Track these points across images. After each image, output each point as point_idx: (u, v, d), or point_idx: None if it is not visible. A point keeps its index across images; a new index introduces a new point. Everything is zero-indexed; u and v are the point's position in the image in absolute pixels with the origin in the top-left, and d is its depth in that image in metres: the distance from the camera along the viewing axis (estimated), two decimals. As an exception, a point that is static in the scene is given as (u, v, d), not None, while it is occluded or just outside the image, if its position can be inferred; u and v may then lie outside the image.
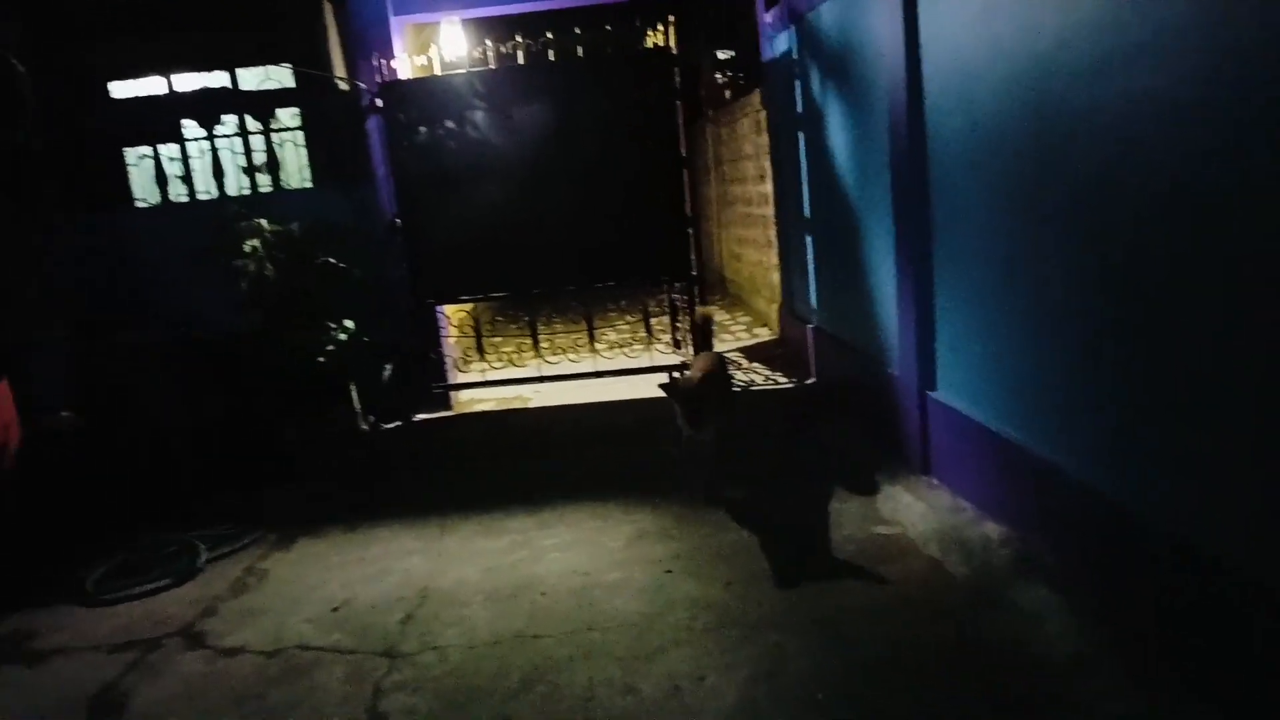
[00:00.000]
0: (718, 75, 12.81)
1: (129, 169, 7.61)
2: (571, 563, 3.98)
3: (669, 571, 3.76)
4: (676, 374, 5.19)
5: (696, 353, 5.31)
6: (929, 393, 4.31)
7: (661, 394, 4.54)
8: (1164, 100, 2.46)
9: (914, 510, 4.03)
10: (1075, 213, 2.96)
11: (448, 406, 6.94)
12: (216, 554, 4.57)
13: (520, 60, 6.43)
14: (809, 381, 6.54)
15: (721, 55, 14.09)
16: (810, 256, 6.46)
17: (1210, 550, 2.44)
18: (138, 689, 3.32)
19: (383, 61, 6.39)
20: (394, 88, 6.40)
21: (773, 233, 7.87)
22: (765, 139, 7.68)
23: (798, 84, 6.21)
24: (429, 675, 3.15)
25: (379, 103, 6.43)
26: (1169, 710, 2.43)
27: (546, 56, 6.40)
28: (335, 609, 3.81)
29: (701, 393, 4.45)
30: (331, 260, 6.07)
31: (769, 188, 7.81)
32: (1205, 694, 2.43)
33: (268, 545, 4.67)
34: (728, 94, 12.81)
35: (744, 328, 9.03)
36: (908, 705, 2.68)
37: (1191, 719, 2.40)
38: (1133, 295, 2.70)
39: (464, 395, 7.16)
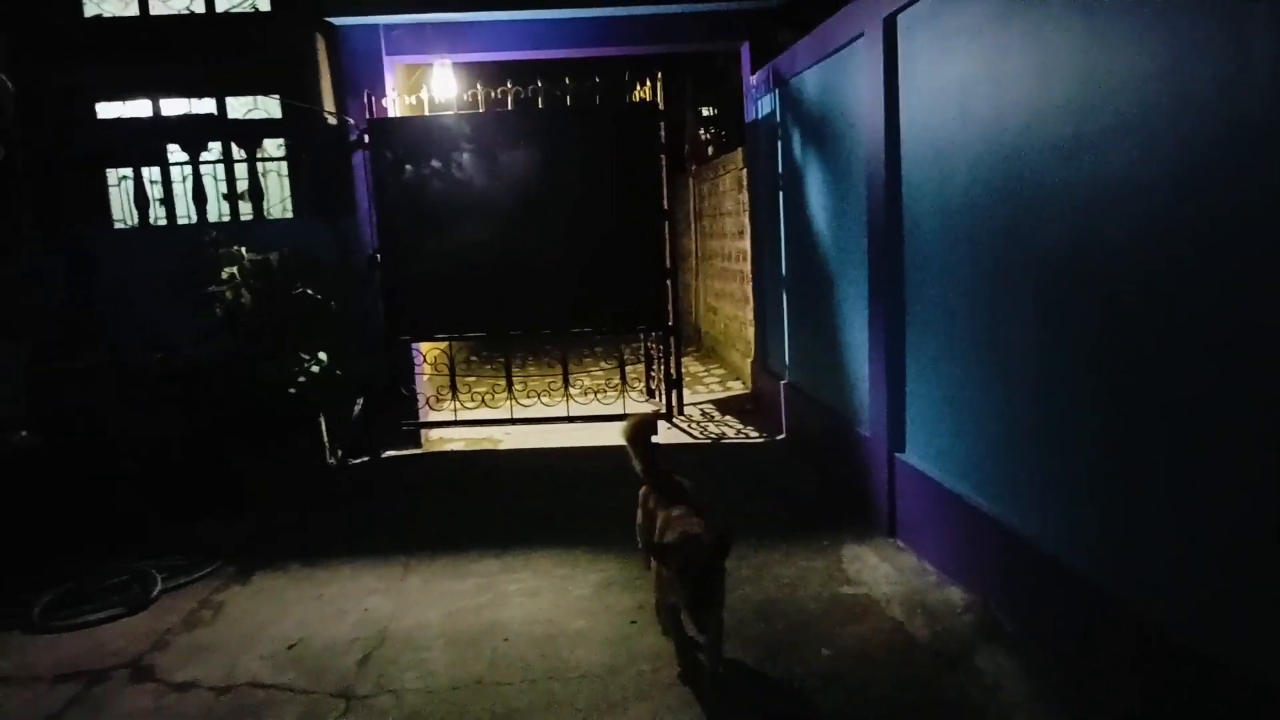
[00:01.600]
0: (701, 131, 13.06)
1: (110, 189, 7.60)
2: (536, 610, 3.94)
3: (634, 623, 3.73)
4: (664, 520, 3.38)
5: (653, 474, 3.77)
6: (897, 454, 4.36)
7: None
8: (1129, 181, 2.56)
9: (879, 572, 4.05)
10: (1044, 285, 3.05)
11: (418, 445, 6.90)
12: (171, 585, 4.46)
13: (509, 106, 6.53)
14: (779, 437, 6.58)
15: (705, 112, 14.40)
16: (785, 313, 6.55)
17: (1170, 627, 2.48)
18: (80, 723, 3.21)
19: (373, 99, 6.46)
20: (383, 125, 6.46)
21: (749, 288, 7.97)
22: (746, 196, 7.82)
23: (779, 145, 6.36)
24: (384, 719, 3.09)
25: (366, 139, 6.49)
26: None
27: (536, 104, 6.51)
28: (291, 646, 3.73)
29: (714, 565, 3.02)
30: (309, 291, 6.06)
31: (747, 244, 7.93)
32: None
33: (225, 578, 4.57)
34: (710, 150, 13.06)
35: (717, 380, 9.09)
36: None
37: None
38: (1098, 368, 2.77)
39: (435, 434, 7.12)
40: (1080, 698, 2.79)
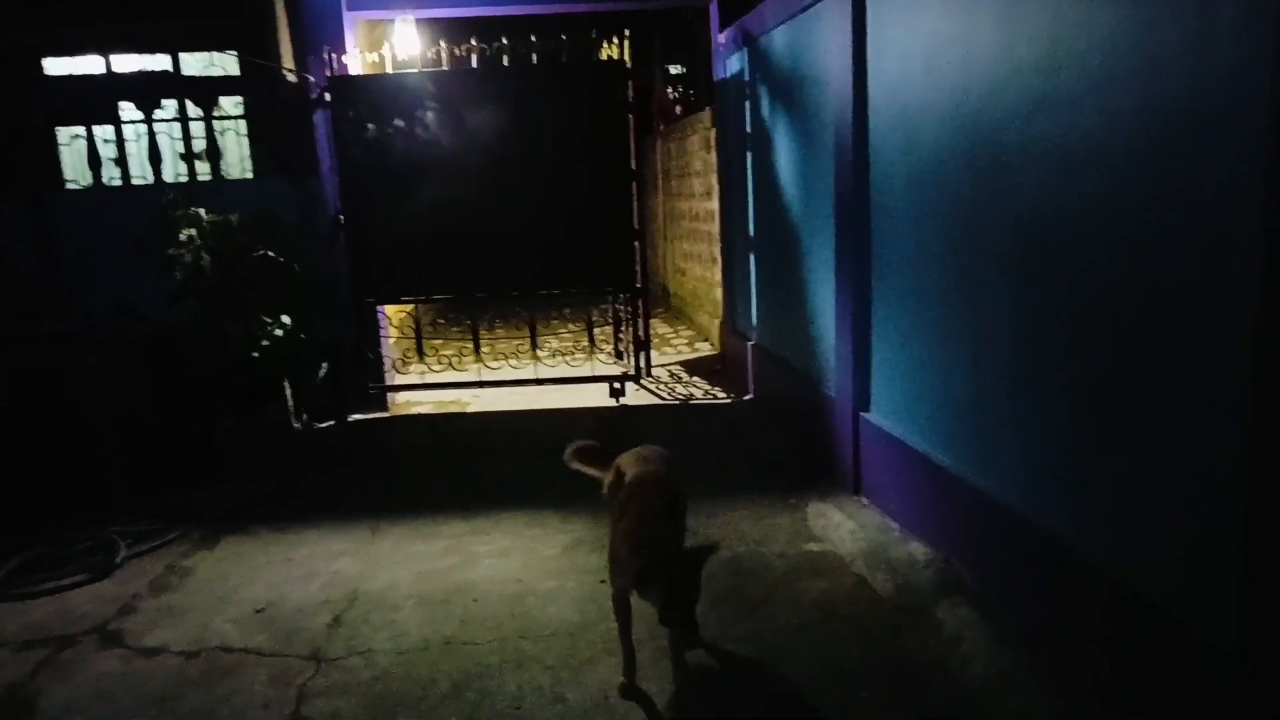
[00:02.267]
0: (670, 90, 12.94)
1: (60, 149, 7.37)
2: (505, 569, 3.97)
3: (603, 581, 3.76)
4: (610, 473, 3.26)
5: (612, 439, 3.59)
6: (862, 414, 4.43)
7: (605, 404, 4.44)
8: (1095, 142, 2.59)
9: (843, 529, 4.13)
10: (1010, 246, 3.09)
11: (384, 408, 6.86)
12: (137, 551, 4.44)
13: (474, 64, 6.41)
14: (747, 397, 6.64)
15: (674, 70, 14.26)
16: (753, 275, 6.57)
17: (1125, 575, 2.57)
18: (48, 688, 3.20)
19: (333, 55, 6.31)
20: (344, 82, 6.32)
21: (717, 249, 7.97)
22: (714, 156, 7.79)
23: (748, 105, 6.33)
24: (355, 680, 3.12)
25: (328, 97, 6.35)
26: (1077, 727, 2.55)
27: (501, 62, 6.40)
28: (260, 610, 3.74)
29: (658, 539, 2.78)
30: (270, 254, 5.95)
31: (715, 205, 7.92)
32: (1120, 713, 2.54)
33: (191, 543, 4.55)
34: (678, 110, 12.96)
35: (686, 341, 9.12)
36: (836, 718, 2.75)
37: (1097, 736, 2.51)
38: (1063, 327, 2.82)
39: (401, 397, 7.08)
40: (1039, 647, 2.89)
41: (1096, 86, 2.55)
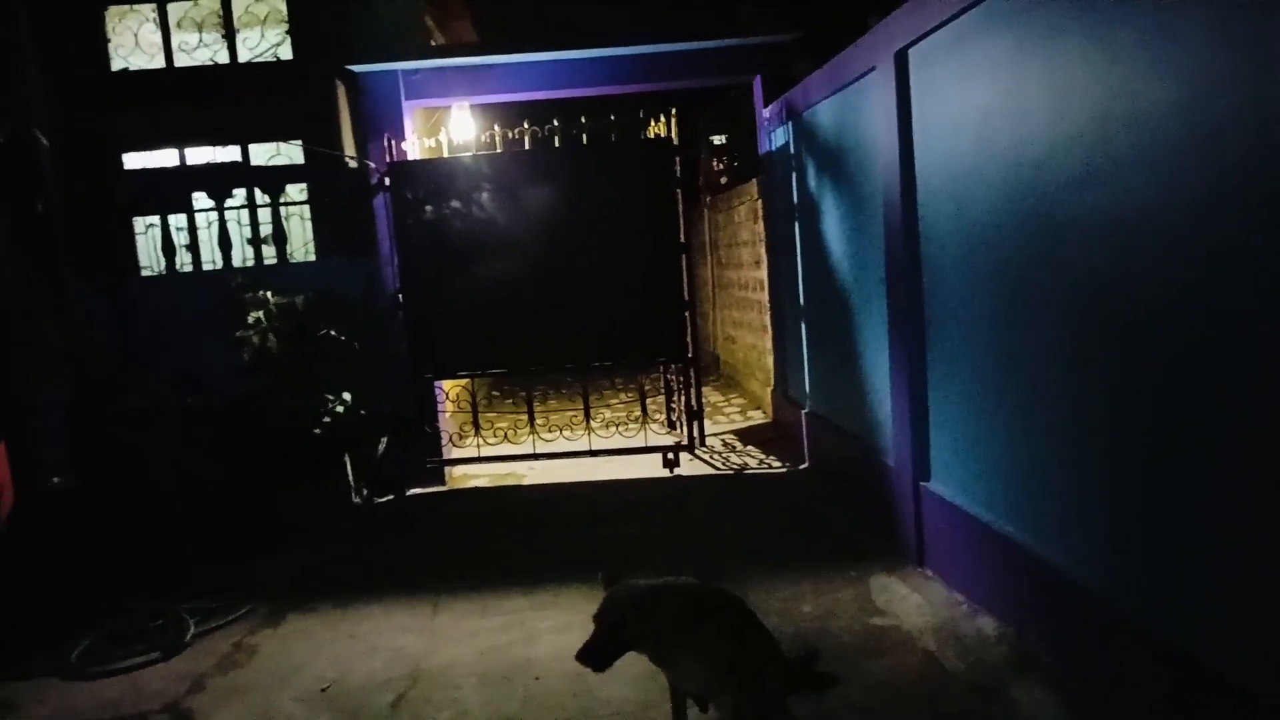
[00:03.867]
0: (715, 162, 13.18)
1: (137, 237, 7.76)
2: (566, 646, 3.93)
3: (664, 658, 3.73)
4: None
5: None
6: (923, 483, 4.36)
7: (659, 475, 4.29)
8: (1148, 211, 2.59)
9: (909, 602, 4.04)
10: (1068, 312, 3.07)
11: (442, 481, 6.95)
12: (205, 628, 4.51)
13: (527, 145, 6.64)
14: (803, 466, 6.59)
15: (716, 140, 14.53)
16: (805, 342, 6.58)
17: (1206, 657, 2.47)
18: (122, 768, 3.25)
19: (393, 142, 6.59)
20: (403, 167, 6.58)
21: (767, 317, 8.01)
22: (761, 226, 7.89)
23: (794, 176, 6.43)
24: (421, 761, 3.11)
25: (387, 181, 6.61)
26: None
27: (553, 142, 6.62)
28: (324, 688, 3.76)
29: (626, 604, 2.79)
30: (333, 332, 6.16)
31: (764, 273, 7.99)
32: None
33: (257, 620, 4.61)
34: (723, 179, 13.18)
35: (738, 410, 9.10)
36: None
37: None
38: (1126, 394, 2.79)
39: (458, 470, 7.16)
40: (1118, 728, 2.78)
41: (1148, 156, 2.57)
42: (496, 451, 7.09)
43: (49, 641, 4.42)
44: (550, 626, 4.19)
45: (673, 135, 6.57)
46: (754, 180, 8.24)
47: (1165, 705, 2.63)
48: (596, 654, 2.75)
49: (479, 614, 4.43)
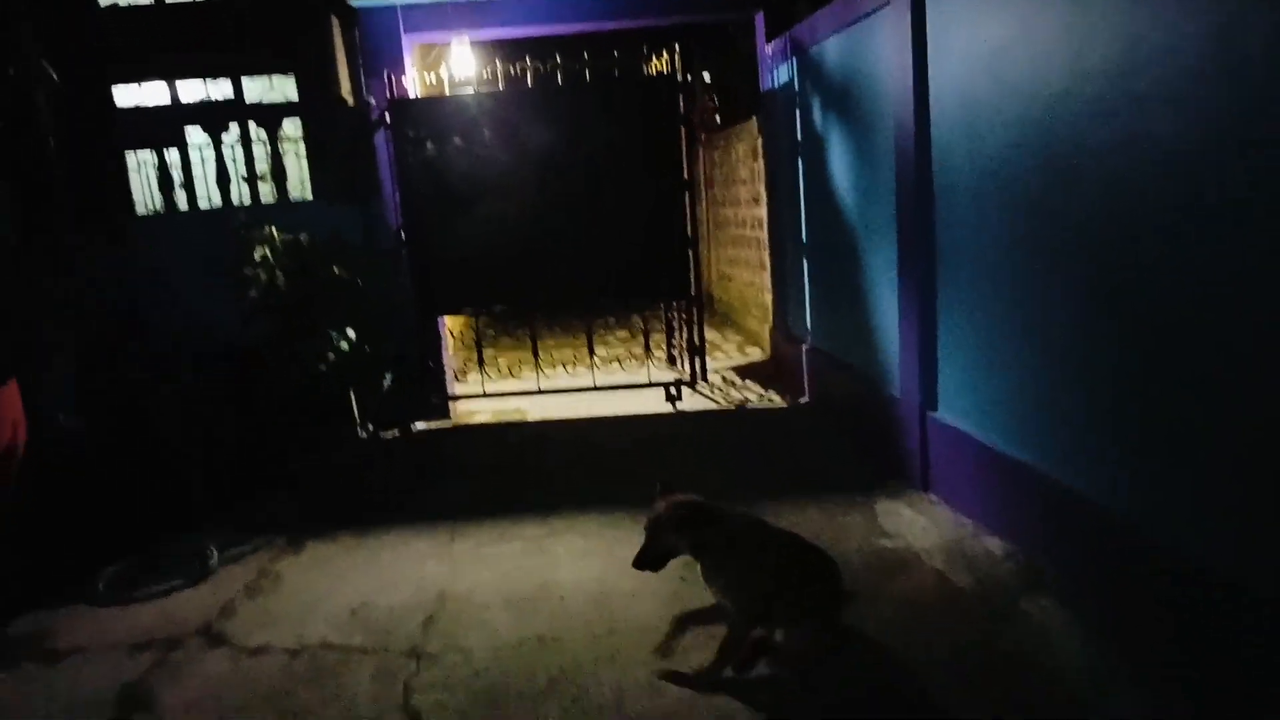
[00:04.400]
0: (710, 99, 13.05)
1: (130, 175, 7.65)
2: (587, 570, 4.08)
3: (683, 579, 3.86)
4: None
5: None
6: (930, 412, 4.49)
7: (662, 410, 4.38)
8: (1166, 145, 2.66)
9: (916, 525, 4.19)
10: (1080, 242, 3.16)
11: (446, 417, 7.02)
12: (227, 557, 4.61)
13: (529, 82, 6.58)
14: (803, 400, 6.71)
15: (706, 78, 14.35)
16: (806, 279, 6.65)
17: (1212, 563, 2.62)
18: (164, 686, 3.36)
19: (393, 78, 6.51)
20: (404, 104, 6.51)
21: (766, 255, 8.06)
22: (761, 164, 7.89)
23: (798, 113, 6.42)
24: (457, 675, 3.24)
25: (388, 118, 6.55)
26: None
27: (555, 80, 6.56)
28: (354, 611, 3.87)
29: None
30: (336, 270, 6.15)
31: (763, 211, 8.01)
32: (1213, 701, 2.59)
33: (278, 550, 4.71)
34: (717, 118, 13.06)
35: (735, 347, 9.20)
36: (930, 710, 2.82)
37: (1194, 720, 2.57)
38: (1136, 319, 2.89)
39: (462, 406, 7.24)
40: (1126, 636, 2.94)
41: (1169, 90, 2.62)
42: (500, 388, 7.16)
43: (74, 574, 4.51)
44: (569, 552, 4.32)
45: (676, 71, 6.53)
46: (753, 118, 8.22)
47: (1171, 610, 2.79)
48: (649, 556, 3.09)
49: (497, 541, 4.55)
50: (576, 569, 4.11)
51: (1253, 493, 2.48)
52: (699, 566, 3.12)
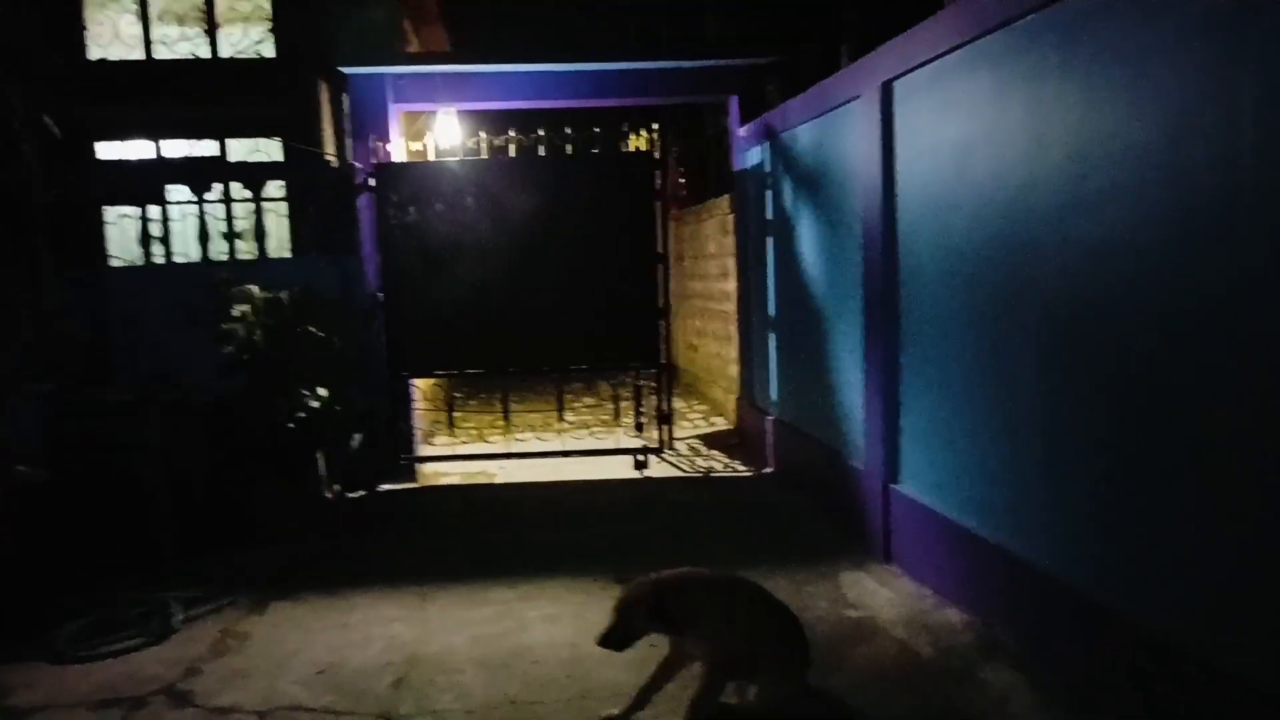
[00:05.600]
0: (681, 176, 13.47)
1: (108, 228, 7.70)
2: (558, 634, 4.12)
3: (653, 645, 3.92)
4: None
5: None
6: (892, 485, 4.65)
7: (629, 476, 4.49)
8: (1121, 241, 2.90)
9: (879, 596, 4.31)
10: (1040, 328, 3.38)
11: (413, 479, 7.04)
12: (191, 615, 4.56)
13: (511, 153, 6.81)
14: (768, 470, 6.85)
15: (676, 153, 14.80)
16: (773, 352, 6.86)
17: (1165, 631, 2.78)
18: (129, 746, 3.32)
19: (379, 144, 6.70)
20: (389, 169, 6.69)
21: (733, 327, 8.29)
22: (731, 240, 8.17)
23: (769, 193, 6.72)
24: (430, 737, 3.25)
25: (372, 182, 6.71)
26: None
27: (536, 151, 6.80)
28: (321, 672, 3.86)
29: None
30: (312, 329, 6.22)
31: (731, 285, 8.27)
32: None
33: (243, 608, 4.67)
34: (684, 193, 13.46)
35: (701, 416, 9.36)
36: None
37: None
38: (1089, 400, 3.09)
39: (429, 468, 7.26)
40: (1083, 705, 3.07)
41: (1126, 190, 2.88)
42: (471, 450, 7.20)
43: (33, 629, 4.42)
44: (540, 616, 4.35)
45: (654, 149, 6.81)
46: (724, 195, 8.53)
47: (1127, 678, 2.93)
48: (616, 638, 3.18)
49: (468, 605, 4.56)
50: (549, 633, 4.14)
51: (1203, 565, 2.66)
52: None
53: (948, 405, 4.13)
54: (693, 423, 9.04)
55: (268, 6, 7.70)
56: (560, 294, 6.80)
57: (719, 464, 7.27)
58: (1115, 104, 2.91)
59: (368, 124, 6.83)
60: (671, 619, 3.14)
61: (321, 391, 6.22)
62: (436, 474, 7.25)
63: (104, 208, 7.46)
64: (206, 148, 7.82)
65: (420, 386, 7.36)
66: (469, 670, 3.79)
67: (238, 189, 7.03)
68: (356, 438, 6.83)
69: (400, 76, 6.85)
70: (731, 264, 8.22)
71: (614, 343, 6.91)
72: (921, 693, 3.39)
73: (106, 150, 7.71)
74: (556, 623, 4.27)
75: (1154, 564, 2.84)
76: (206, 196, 7.04)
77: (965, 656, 3.58)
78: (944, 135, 4.02)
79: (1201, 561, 2.65)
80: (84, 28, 7.55)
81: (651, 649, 3.83)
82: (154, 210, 6.99)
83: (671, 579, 3.24)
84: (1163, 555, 2.80)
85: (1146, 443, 2.84)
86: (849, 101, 4.95)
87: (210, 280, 6.07)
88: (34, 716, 3.60)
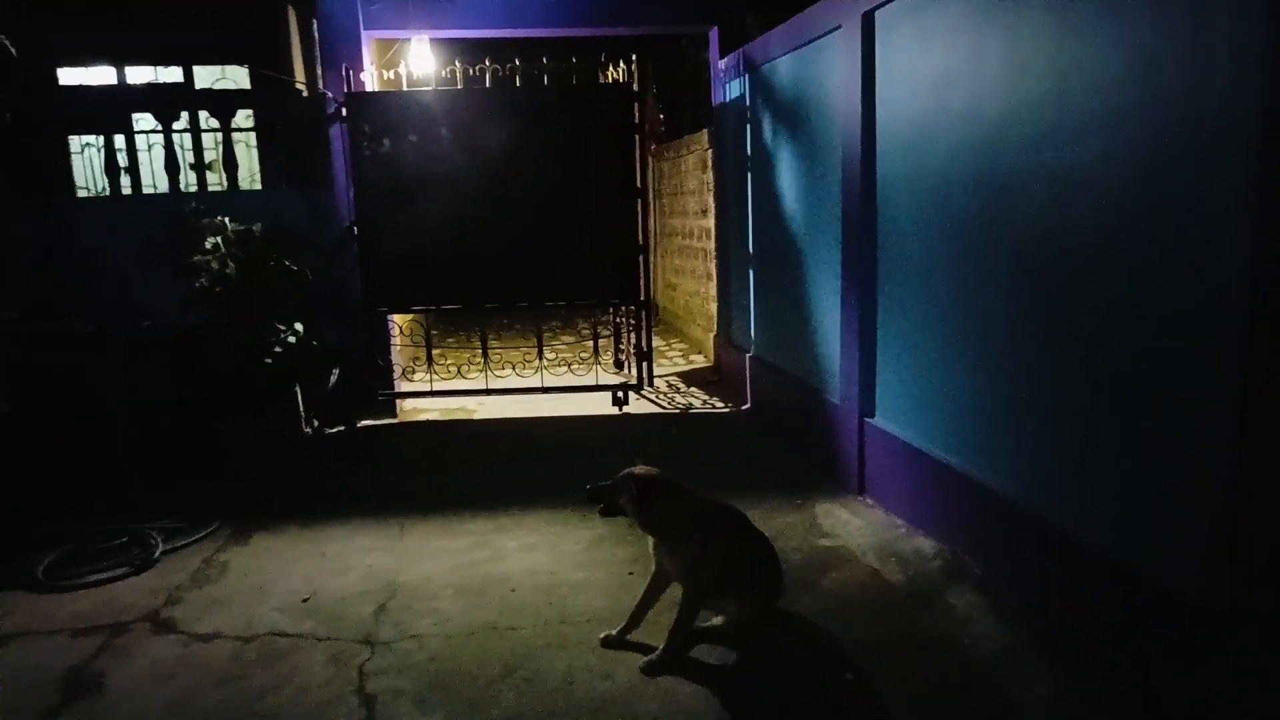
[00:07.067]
0: (659, 110, 13.26)
1: (73, 158, 7.49)
2: (535, 563, 4.19)
3: (630, 573, 4.01)
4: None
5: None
6: (867, 419, 4.71)
7: (608, 412, 4.54)
8: (1095, 170, 2.90)
9: (852, 526, 4.41)
10: (1014, 259, 3.40)
11: (393, 414, 7.04)
12: (171, 546, 4.58)
13: (488, 83, 6.67)
14: (744, 407, 6.92)
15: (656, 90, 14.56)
16: (751, 289, 6.86)
17: (1121, 554, 2.87)
18: (111, 670, 3.36)
19: (351, 72, 6.53)
20: (361, 99, 6.54)
21: (712, 265, 8.27)
22: (710, 176, 8.10)
23: (749, 128, 6.64)
24: (411, 661, 3.31)
25: (344, 112, 6.56)
26: (1088, 691, 2.84)
27: (513, 82, 6.66)
28: (304, 600, 3.91)
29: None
30: (286, 262, 6.14)
31: (710, 222, 8.22)
32: (1122, 680, 2.84)
33: (223, 539, 4.70)
34: (663, 129, 13.28)
35: (679, 354, 9.39)
36: (858, 686, 3.01)
37: (1107, 697, 2.80)
38: (1060, 333, 3.13)
39: (409, 404, 7.26)
40: (1044, 625, 3.18)
41: (1100, 121, 2.87)
42: (449, 386, 7.20)
43: (9, 558, 4.43)
44: (517, 546, 4.42)
45: (633, 81, 6.68)
46: (703, 131, 8.42)
47: (1084, 599, 3.03)
48: (604, 497, 3.30)
49: (445, 535, 4.62)
50: (525, 562, 4.21)
51: (1160, 495, 2.73)
52: (652, 543, 3.34)
53: (923, 338, 4.16)
54: (671, 360, 9.07)
55: (233, -74, 7.42)
56: (539, 229, 6.73)
57: (697, 401, 7.32)
58: (1094, 34, 2.88)
59: (339, 51, 6.64)
60: (648, 517, 3.24)
61: (298, 326, 6.17)
62: (416, 410, 7.26)
63: (67, 137, 7.25)
64: (172, 75, 7.59)
65: (399, 323, 7.31)
66: (447, 597, 3.86)
67: (206, 119, 6.84)
68: (334, 373, 6.80)
69: (372, 1, 6.65)
70: (710, 200, 8.16)
71: (594, 279, 6.87)
72: (888, 615, 3.49)
73: (70, 77, 7.47)
74: (534, 551, 4.33)
75: (1114, 493, 2.91)
76: (174, 126, 6.84)
77: (933, 581, 3.68)
78: (925, 66, 3.97)
79: (1159, 491, 2.72)
80: (40, -53, 7.25)
81: (630, 576, 3.93)
82: (120, 141, 6.78)
83: (668, 483, 3.33)
84: (1124, 485, 2.87)
85: (1114, 376, 2.89)
86: (830, 32, 4.87)
87: (179, 212, 5.95)
88: (12, 643, 3.63)
